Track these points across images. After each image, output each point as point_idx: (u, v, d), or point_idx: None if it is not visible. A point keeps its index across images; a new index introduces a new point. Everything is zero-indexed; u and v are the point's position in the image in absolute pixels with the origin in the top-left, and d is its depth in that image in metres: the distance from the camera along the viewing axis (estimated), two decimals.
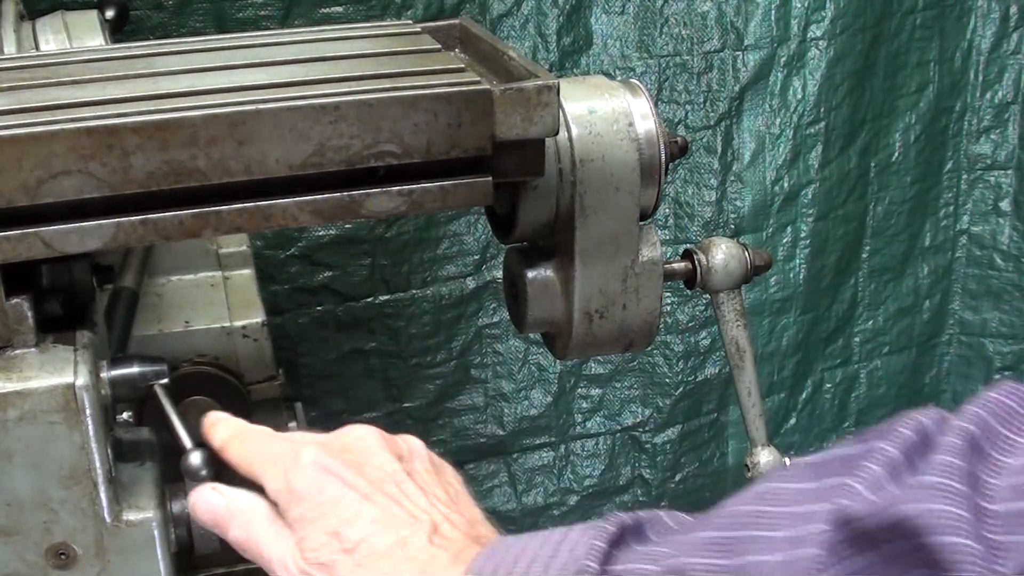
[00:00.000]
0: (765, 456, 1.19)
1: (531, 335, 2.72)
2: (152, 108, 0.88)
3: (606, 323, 1.14)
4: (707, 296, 2.74)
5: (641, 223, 1.13)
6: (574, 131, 1.07)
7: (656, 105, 1.43)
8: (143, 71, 0.98)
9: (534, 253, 1.15)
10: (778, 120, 2.72)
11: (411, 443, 0.87)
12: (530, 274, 1.14)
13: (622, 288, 1.13)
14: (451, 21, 1.16)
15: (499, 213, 1.13)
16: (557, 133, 0.98)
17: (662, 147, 1.11)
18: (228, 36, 1.10)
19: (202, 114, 0.87)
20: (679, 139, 1.15)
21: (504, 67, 1.03)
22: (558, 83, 0.95)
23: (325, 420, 2.72)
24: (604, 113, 1.09)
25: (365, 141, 0.92)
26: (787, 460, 1.19)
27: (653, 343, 1.18)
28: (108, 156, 0.86)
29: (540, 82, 0.95)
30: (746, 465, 1.21)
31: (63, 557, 0.96)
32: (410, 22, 1.15)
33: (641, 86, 1.12)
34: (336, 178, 0.94)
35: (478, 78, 0.98)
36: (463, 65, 1.03)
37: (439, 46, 1.07)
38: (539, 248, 1.16)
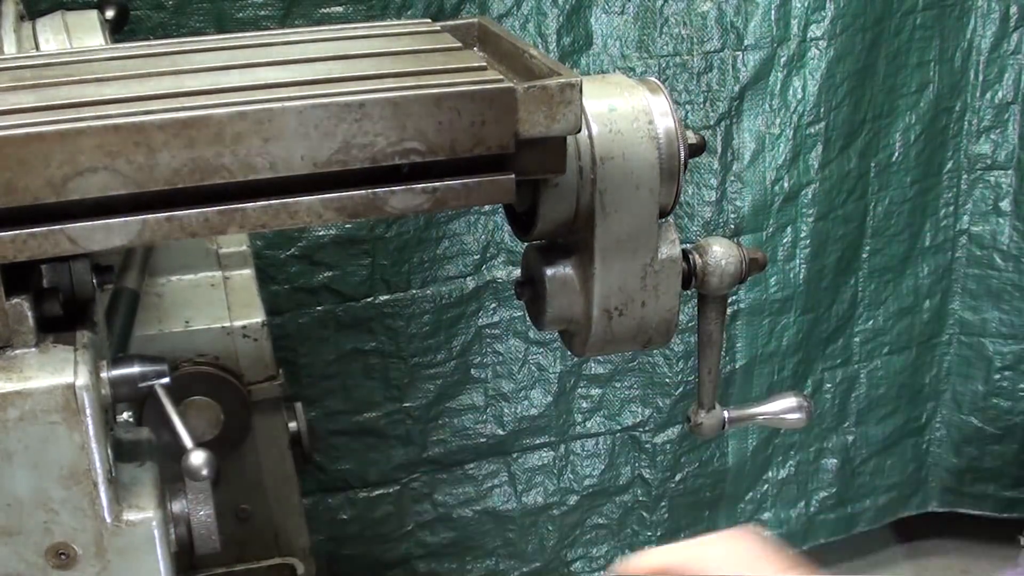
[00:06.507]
0: (709, 419, 1.24)
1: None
2: (178, 105, 0.88)
3: (625, 320, 1.14)
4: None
5: (660, 220, 1.13)
6: (594, 129, 1.07)
7: None
8: (166, 68, 0.98)
9: (553, 251, 1.15)
10: (778, 120, 2.72)
11: None
12: (549, 272, 1.14)
13: (641, 285, 1.13)
14: (469, 20, 1.16)
15: (519, 211, 1.13)
16: (580, 131, 0.98)
17: (681, 144, 1.11)
18: (247, 34, 1.09)
19: (228, 111, 0.87)
20: (697, 137, 1.15)
21: (525, 65, 1.02)
22: (581, 81, 0.95)
23: (325, 420, 2.72)
24: (624, 111, 1.09)
25: (390, 139, 0.91)
26: (726, 414, 1.25)
27: (671, 340, 1.19)
28: (135, 153, 0.85)
29: (563, 80, 0.95)
30: (688, 418, 1.27)
31: (63, 557, 0.95)
32: (429, 20, 1.15)
33: (660, 84, 1.12)
34: (359, 175, 0.93)
35: (501, 76, 0.98)
36: (485, 64, 1.02)
37: (460, 44, 1.07)
38: (558, 246, 1.16)
